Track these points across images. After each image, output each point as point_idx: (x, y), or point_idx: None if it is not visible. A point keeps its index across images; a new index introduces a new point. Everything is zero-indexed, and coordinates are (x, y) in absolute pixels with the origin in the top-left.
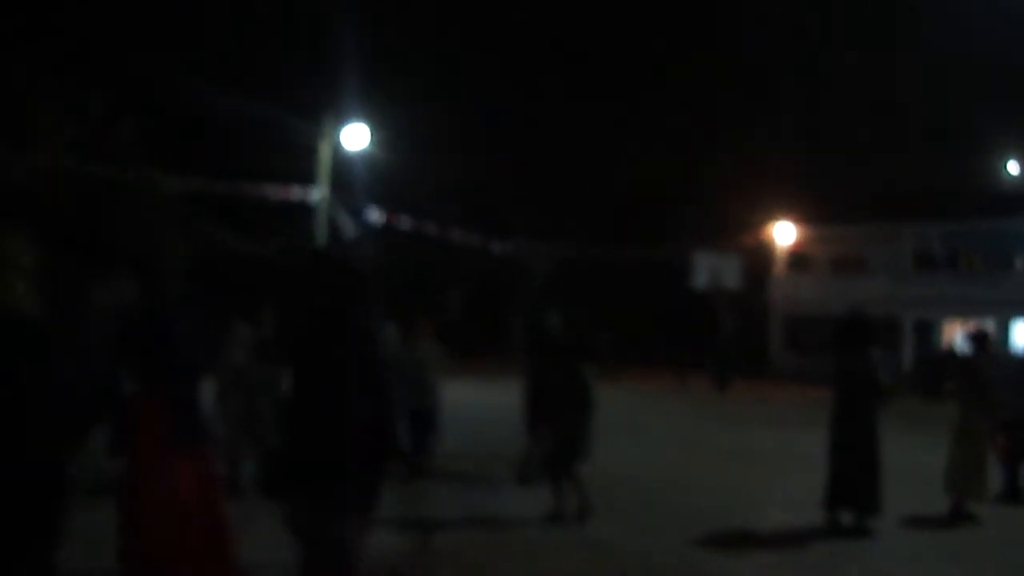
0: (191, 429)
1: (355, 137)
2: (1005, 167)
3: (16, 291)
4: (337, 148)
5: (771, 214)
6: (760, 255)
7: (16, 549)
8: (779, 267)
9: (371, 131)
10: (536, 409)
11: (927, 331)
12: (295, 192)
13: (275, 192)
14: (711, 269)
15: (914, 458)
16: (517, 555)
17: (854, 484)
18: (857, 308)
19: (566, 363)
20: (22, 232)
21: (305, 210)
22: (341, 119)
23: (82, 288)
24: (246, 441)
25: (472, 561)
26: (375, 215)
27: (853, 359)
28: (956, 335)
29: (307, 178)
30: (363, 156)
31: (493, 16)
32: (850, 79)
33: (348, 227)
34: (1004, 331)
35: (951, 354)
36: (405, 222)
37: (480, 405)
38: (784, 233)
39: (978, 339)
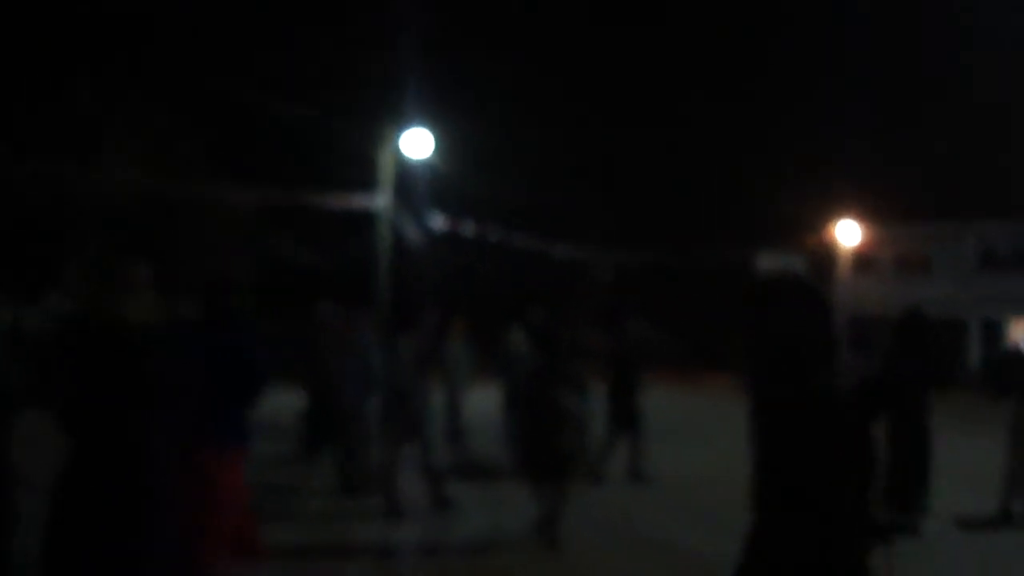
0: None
1: (417, 143)
2: None
3: (141, 311)
4: (399, 155)
5: (834, 213)
6: (824, 255)
7: None
8: (843, 267)
9: (434, 137)
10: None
11: (994, 331)
12: (358, 200)
13: (338, 201)
14: (775, 271)
15: (972, 457)
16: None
17: (905, 483)
18: (913, 307)
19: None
20: (144, 261)
21: (369, 219)
22: (402, 125)
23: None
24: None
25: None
26: (439, 222)
27: (908, 358)
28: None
29: (370, 186)
30: (426, 163)
31: (554, 22)
32: (915, 72)
33: (412, 234)
34: None
35: (1016, 354)
36: (468, 228)
37: None
38: (847, 233)
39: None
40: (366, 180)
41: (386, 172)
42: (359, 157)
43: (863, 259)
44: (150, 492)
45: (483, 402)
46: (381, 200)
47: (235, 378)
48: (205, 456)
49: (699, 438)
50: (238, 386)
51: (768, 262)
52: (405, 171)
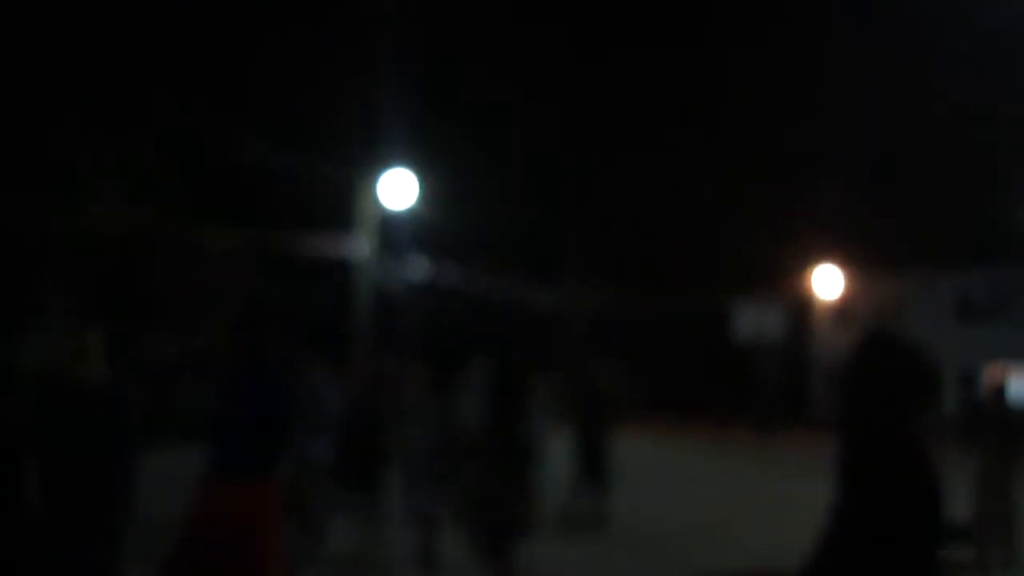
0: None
1: (398, 187)
2: None
3: (91, 371)
4: (380, 200)
5: (811, 261)
6: (801, 304)
7: None
8: (820, 316)
9: (415, 181)
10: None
11: (971, 380)
12: (338, 245)
13: (319, 245)
14: (752, 320)
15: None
16: None
17: None
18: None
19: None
20: (100, 325)
21: (350, 262)
22: (383, 169)
23: (125, 342)
24: None
25: None
26: (419, 265)
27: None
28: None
29: (352, 229)
30: (407, 208)
31: (533, 64)
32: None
33: (392, 278)
34: None
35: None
36: (450, 274)
37: None
38: (825, 282)
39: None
40: (347, 223)
41: (365, 217)
42: (340, 200)
43: (840, 309)
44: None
45: None
46: (360, 245)
47: (272, 412)
48: (245, 490)
49: (668, 484)
50: (275, 420)
51: (746, 310)
52: (385, 215)
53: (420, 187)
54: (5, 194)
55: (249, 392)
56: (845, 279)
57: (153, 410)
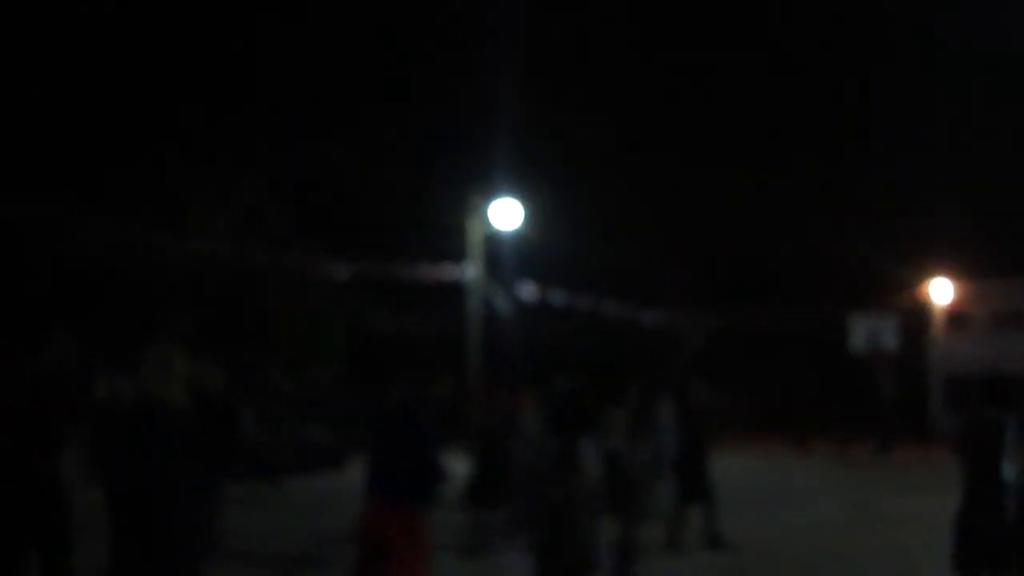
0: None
1: (506, 213)
2: None
3: (172, 390)
4: (488, 225)
5: (927, 272)
6: (918, 314)
7: None
8: (937, 326)
9: (522, 206)
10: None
11: None
12: (447, 271)
13: (428, 272)
14: (868, 331)
15: None
16: None
17: (990, 545)
18: (998, 368)
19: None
20: (180, 345)
21: (459, 288)
22: (491, 195)
23: (238, 373)
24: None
25: None
26: (528, 291)
27: (985, 419)
28: None
29: (460, 256)
30: (514, 232)
31: (642, 85)
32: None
33: (502, 304)
34: None
35: None
36: (558, 297)
37: None
38: (940, 290)
39: None
40: (456, 250)
41: (475, 243)
42: (449, 227)
43: (957, 317)
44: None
45: None
46: (470, 271)
47: (413, 439)
48: (393, 514)
49: (786, 501)
50: (418, 447)
51: (861, 322)
52: (495, 240)
53: (527, 212)
54: (115, 232)
55: (399, 427)
56: (961, 287)
57: (268, 440)
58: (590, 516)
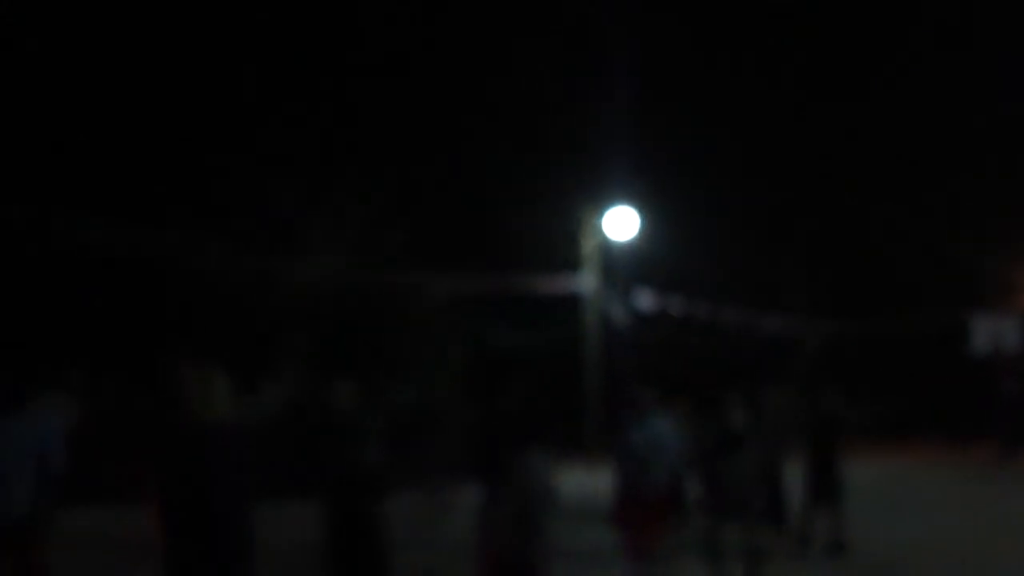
0: None
1: (621, 222)
2: None
3: (217, 409)
4: (603, 234)
5: None
6: None
7: None
8: None
9: (638, 216)
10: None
11: None
12: (563, 283)
13: (543, 284)
14: (990, 333)
15: None
16: None
17: None
18: None
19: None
20: (222, 369)
21: (575, 300)
22: (606, 204)
23: (365, 390)
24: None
25: None
26: (645, 300)
27: None
28: None
29: (575, 267)
30: (629, 241)
31: (761, 88)
32: None
33: (618, 314)
34: None
35: None
36: (676, 305)
37: None
38: None
39: None
40: (570, 261)
41: (590, 253)
42: (564, 238)
43: None
44: None
45: None
46: (586, 282)
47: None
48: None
49: (908, 508)
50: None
51: (983, 324)
52: (609, 250)
53: (642, 220)
54: (231, 258)
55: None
56: None
57: (392, 461)
58: None
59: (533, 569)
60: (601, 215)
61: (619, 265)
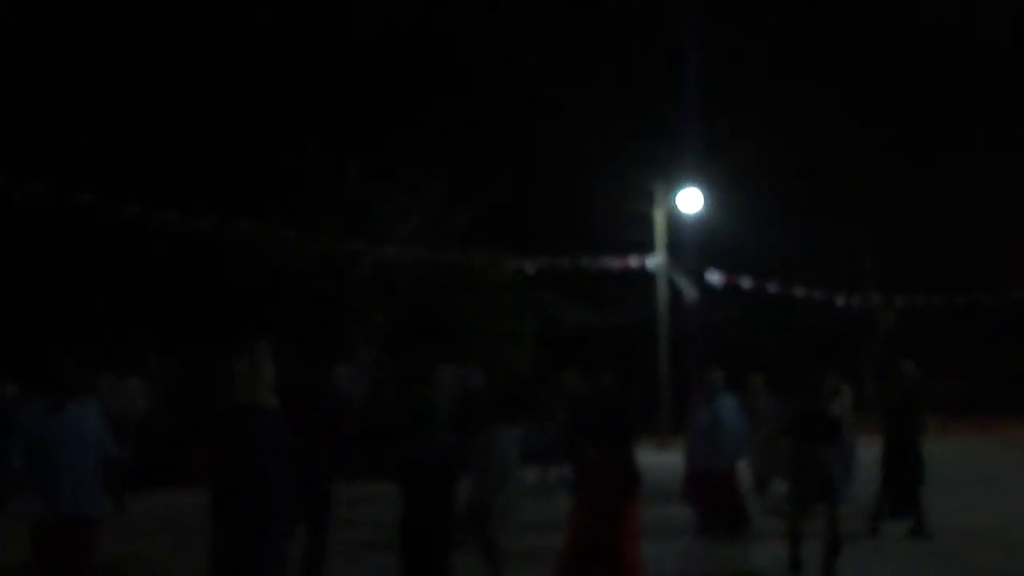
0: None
1: (691, 200)
2: None
3: (260, 393)
4: (673, 213)
5: None
6: None
7: None
8: None
9: (706, 193)
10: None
11: None
12: (633, 260)
13: (613, 262)
14: None
15: None
16: None
17: None
18: None
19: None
20: (269, 349)
21: (645, 277)
22: (676, 183)
23: (430, 369)
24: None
25: None
26: (715, 277)
27: None
28: None
29: (645, 245)
30: (699, 218)
31: (831, 67)
32: None
33: (688, 291)
34: None
35: None
36: (745, 282)
37: None
38: None
39: None
40: (641, 239)
41: (660, 231)
42: (635, 216)
43: None
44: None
45: None
46: (656, 259)
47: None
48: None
49: (980, 488)
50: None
51: None
52: (680, 227)
53: (712, 198)
54: (304, 243)
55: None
56: None
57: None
58: None
59: None
60: (672, 193)
61: (689, 243)
